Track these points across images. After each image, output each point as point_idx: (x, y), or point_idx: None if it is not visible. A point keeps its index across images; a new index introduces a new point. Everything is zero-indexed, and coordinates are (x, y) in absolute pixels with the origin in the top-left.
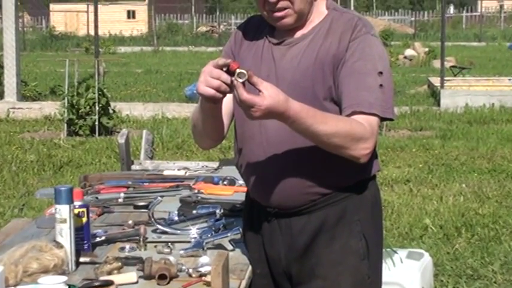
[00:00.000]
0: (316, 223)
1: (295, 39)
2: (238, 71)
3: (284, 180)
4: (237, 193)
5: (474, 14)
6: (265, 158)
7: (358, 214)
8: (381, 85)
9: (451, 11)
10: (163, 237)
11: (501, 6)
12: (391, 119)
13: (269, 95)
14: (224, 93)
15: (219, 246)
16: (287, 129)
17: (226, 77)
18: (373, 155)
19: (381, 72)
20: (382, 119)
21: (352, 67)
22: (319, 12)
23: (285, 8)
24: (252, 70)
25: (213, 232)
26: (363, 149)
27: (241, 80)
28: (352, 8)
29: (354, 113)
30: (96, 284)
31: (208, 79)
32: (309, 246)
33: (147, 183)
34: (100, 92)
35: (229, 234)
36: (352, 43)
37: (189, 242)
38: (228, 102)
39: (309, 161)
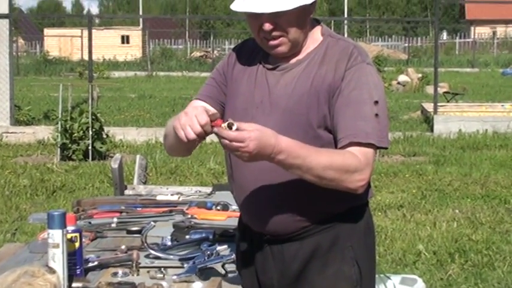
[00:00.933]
0: (308, 249)
1: (290, 64)
2: (225, 123)
3: (276, 207)
4: (230, 218)
5: (467, 40)
6: (257, 184)
7: (351, 240)
8: (376, 114)
9: (444, 37)
10: (156, 263)
11: (494, 33)
12: (385, 148)
13: (256, 128)
14: (200, 138)
15: (212, 272)
16: None
17: (208, 128)
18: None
19: (376, 102)
20: (377, 148)
21: (349, 97)
22: (314, 39)
23: (279, 36)
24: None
25: (206, 257)
26: (358, 181)
27: (232, 130)
28: (345, 33)
29: (350, 144)
30: None
31: (194, 122)
32: (302, 272)
33: (140, 208)
34: (93, 117)
35: (222, 260)
36: (348, 72)
37: (182, 267)
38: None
39: (301, 188)
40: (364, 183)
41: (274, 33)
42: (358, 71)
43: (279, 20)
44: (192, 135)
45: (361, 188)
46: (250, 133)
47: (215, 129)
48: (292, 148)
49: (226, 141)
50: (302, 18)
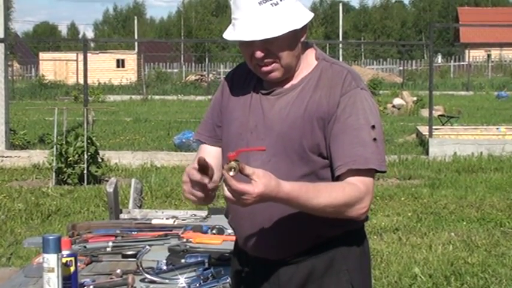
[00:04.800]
0: (304, 273)
1: (285, 89)
2: (228, 165)
3: (271, 231)
4: (225, 242)
5: (462, 63)
6: (252, 209)
7: (346, 264)
8: (374, 139)
9: (439, 61)
10: (152, 287)
11: (488, 56)
12: (384, 171)
13: (261, 183)
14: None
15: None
16: None
17: (206, 181)
18: None
19: (373, 126)
20: (376, 172)
21: (345, 123)
22: (309, 63)
23: (272, 63)
24: (242, 163)
25: (201, 281)
26: (360, 209)
27: (232, 174)
28: (340, 57)
29: (349, 171)
30: None
31: (192, 191)
32: None
33: (135, 232)
34: (89, 141)
35: (218, 284)
36: (343, 98)
37: None
38: (217, 160)
39: (295, 213)
40: (365, 211)
41: (267, 60)
42: (353, 97)
43: (270, 46)
44: (200, 196)
45: (362, 215)
46: (255, 189)
47: (224, 173)
48: (292, 195)
49: (228, 191)
50: (293, 43)
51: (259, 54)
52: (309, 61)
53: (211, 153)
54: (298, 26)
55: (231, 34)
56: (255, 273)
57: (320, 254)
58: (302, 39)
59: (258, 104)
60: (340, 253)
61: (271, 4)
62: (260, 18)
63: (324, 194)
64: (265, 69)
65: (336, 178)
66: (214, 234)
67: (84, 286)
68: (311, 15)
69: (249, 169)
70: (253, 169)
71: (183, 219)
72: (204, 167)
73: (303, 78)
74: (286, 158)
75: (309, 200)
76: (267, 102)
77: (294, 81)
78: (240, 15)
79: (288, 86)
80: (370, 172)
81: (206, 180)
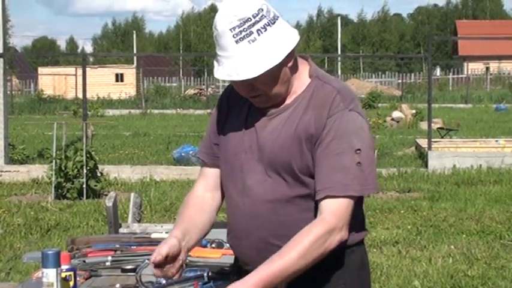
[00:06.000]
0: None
1: (278, 110)
2: None
3: (268, 249)
4: (225, 256)
5: (460, 76)
6: (249, 228)
7: (344, 278)
8: (358, 163)
9: (438, 73)
10: None
11: (487, 69)
12: (374, 192)
13: None
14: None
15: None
16: (268, 201)
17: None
18: (359, 221)
19: (358, 149)
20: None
21: (328, 147)
22: (302, 82)
23: (259, 95)
24: None
25: None
26: (333, 241)
27: None
28: (339, 70)
29: (327, 197)
30: None
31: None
32: None
33: (134, 247)
34: (88, 155)
35: None
36: (329, 120)
37: None
38: (216, 176)
39: (291, 231)
40: (340, 238)
41: (253, 94)
42: (338, 119)
43: (254, 83)
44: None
45: (341, 242)
46: None
47: None
48: (263, 283)
49: None
50: (278, 75)
51: (243, 91)
52: (303, 79)
53: (209, 175)
54: (278, 61)
55: (216, 71)
56: None
57: (317, 269)
58: (289, 64)
59: (252, 123)
60: (338, 267)
61: (249, 41)
62: (238, 58)
63: (290, 257)
64: (253, 100)
65: (316, 202)
66: (213, 248)
67: None
68: (294, 41)
69: None
70: None
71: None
72: (162, 264)
73: (296, 98)
74: (281, 179)
75: (282, 272)
76: (261, 122)
77: (288, 101)
78: (220, 52)
79: (281, 106)
80: (349, 197)
81: (173, 269)
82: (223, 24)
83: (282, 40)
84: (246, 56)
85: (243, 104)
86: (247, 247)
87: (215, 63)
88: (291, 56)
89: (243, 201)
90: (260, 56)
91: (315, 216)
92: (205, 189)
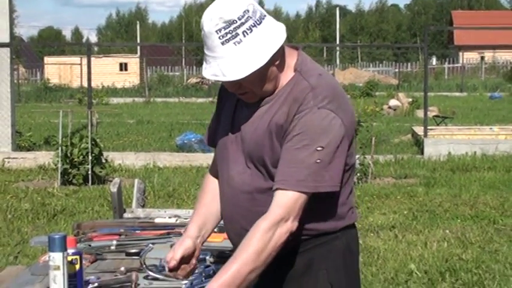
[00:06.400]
0: (284, 273)
1: (261, 103)
2: None
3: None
4: (226, 240)
5: (456, 65)
6: (232, 215)
7: (326, 263)
8: (318, 160)
9: (434, 63)
10: (155, 284)
11: (482, 58)
12: (331, 191)
13: None
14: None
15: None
16: (247, 192)
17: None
18: (343, 209)
19: (321, 147)
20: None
21: (290, 141)
22: (287, 76)
23: (246, 93)
24: None
25: (203, 278)
26: (283, 233)
27: None
28: (337, 60)
29: (278, 189)
30: None
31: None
32: None
33: (138, 231)
34: (93, 142)
35: None
36: (297, 116)
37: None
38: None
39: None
40: (289, 228)
41: (241, 91)
42: (305, 116)
43: (242, 82)
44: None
45: (290, 231)
46: None
47: None
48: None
49: None
50: (265, 74)
51: (230, 88)
52: (287, 73)
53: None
54: (264, 62)
55: (204, 69)
56: None
57: (299, 255)
58: (276, 62)
59: (238, 115)
60: (319, 253)
61: (234, 43)
62: (224, 59)
63: (244, 257)
64: (241, 96)
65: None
66: (215, 232)
67: (89, 283)
68: (280, 40)
69: None
70: None
71: (185, 218)
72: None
73: (278, 91)
74: (257, 171)
75: (241, 273)
76: (245, 114)
77: (272, 94)
78: (207, 52)
79: (265, 100)
80: (301, 192)
81: (184, 271)
82: (209, 25)
83: (268, 40)
84: (232, 57)
85: (233, 96)
86: (233, 233)
87: (204, 61)
88: (278, 54)
89: (227, 190)
90: (246, 57)
91: None
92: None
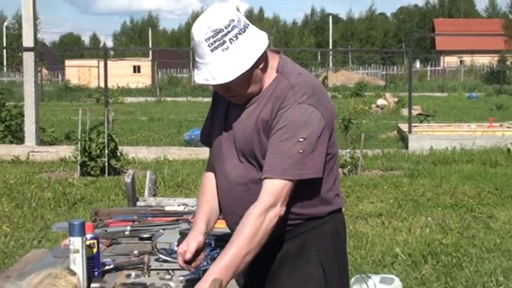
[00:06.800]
0: (279, 255)
1: (248, 103)
2: None
3: None
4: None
5: (437, 68)
6: (230, 206)
7: (316, 245)
8: (300, 150)
9: (417, 66)
10: (165, 265)
11: (461, 62)
12: (315, 177)
13: None
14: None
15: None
16: (242, 184)
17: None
18: (330, 195)
19: (302, 138)
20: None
21: (275, 135)
22: (270, 77)
23: (234, 95)
24: None
25: (209, 261)
26: (272, 217)
27: None
28: (330, 63)
29: (266, 178)
30: None
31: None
32: (275, 275)
33: (150, 218)
34: (109, 137)
35: None
36: (280, 112)
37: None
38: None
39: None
40: (277, 213)
41: (229, 94)
42: (287, 111)
43: (230, 85)
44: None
45: (279, 215)
46: None
47: None
48: (222, 270)
49: None
50: (250, 77)
51: (220, 91)
52: (271, 75)
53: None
54: (249, 66)
55: (195, 75)
56: None
57: (292, 238)
58: (260, 66)
59: (230, 115)
60: (310, 237)
61: (222, 50)
62: (213, 65)
63: (239, 242)
64: (230, 99)
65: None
66: (219, 219)
67: (106, 265)
68: (263, 46)
69: None
70: None
71: (192, 206)
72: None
73: (262, 91)
74: (249, 164)
75: (238, 256)
76: (235, 114)
77: (257, 95)
78: (198, 59)
79: (252, 100)
80: (287, 180)
81: (195, 263)
82: (199, 35)
83: (252, 46)
84: (221, 62)
85: (225, 98)
86: (232, 222)
87: (195, 68)
88: (262, 58)
89: (224, 184)
90: (233, 62)
91: None
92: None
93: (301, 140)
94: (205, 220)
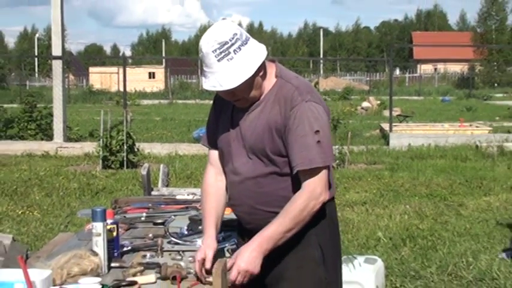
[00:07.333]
0: None
1: (253, 106)
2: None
3: (255, 212)
4: (234, 212)
5: (415, 75)
6: (240, 198)
7: (315, 230)
8: (318, 141)
9: (397, 73)
10: (176, 247)
11: (435, 69)
12: (331, 164)
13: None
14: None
15: (219, 254)
16: (251, 178)
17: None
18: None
19: (317, 131)
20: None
21: (295, 132)
22: (270, 82)
23: (239, 99)
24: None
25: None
26: (317, 204)
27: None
28: (321, 70)
29: (299, 171)
30: (124, 284)
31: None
32: (277, 255)
33: (163, 205)
34: (127, 135)
35: (227, 245)
36: (292, 112)
37: (196, 250)
38: (218, 158)
39: (271, 198)
40: (324, 198)
41: (234, 98)
42: (299, 110)
43: (235, 90)
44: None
45: (324, 201)
46: (233, 270)
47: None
48: (264, 244)
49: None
50: (253, 83)
51: (226, 97)
52: (270, 80)
53: (214, 160)
54: (251, 73)
55: (204, 83)
56: (249, 238)
57: None
58: (260, 73)
59: (236, 118)
60: (310, 221)
61: (227, 60)
62: (220, 73)
63: (282, 221)
64: (235, 103)
65: (295, 174)
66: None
67: (124, 247)
68: (263, 56)
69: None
70: (232, 261)
71: (200, 196)
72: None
73: (265, 95)
74: (259, 160)
75: (279, 233)
76: (242, 117)
77: (260, 99)
78: (206, 69)
79: (256, 103)
80: (317, 169)
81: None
82: (206, 47)
83: (253, 56)
84: (226, 71)
85: (229, 104)
86: (241, 212)
87: (202, 77)
88: (261, 67)
89: (234, 179)
90: (237, 70)
91: (292, 185)
92: (215, 174)
93: (317, 132)
94: (215, 226)
